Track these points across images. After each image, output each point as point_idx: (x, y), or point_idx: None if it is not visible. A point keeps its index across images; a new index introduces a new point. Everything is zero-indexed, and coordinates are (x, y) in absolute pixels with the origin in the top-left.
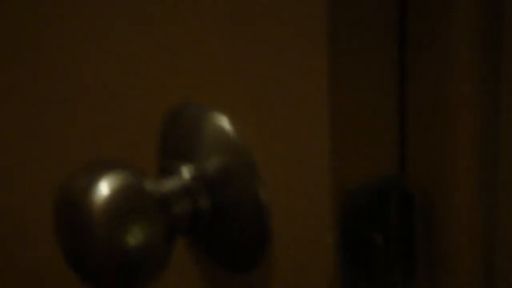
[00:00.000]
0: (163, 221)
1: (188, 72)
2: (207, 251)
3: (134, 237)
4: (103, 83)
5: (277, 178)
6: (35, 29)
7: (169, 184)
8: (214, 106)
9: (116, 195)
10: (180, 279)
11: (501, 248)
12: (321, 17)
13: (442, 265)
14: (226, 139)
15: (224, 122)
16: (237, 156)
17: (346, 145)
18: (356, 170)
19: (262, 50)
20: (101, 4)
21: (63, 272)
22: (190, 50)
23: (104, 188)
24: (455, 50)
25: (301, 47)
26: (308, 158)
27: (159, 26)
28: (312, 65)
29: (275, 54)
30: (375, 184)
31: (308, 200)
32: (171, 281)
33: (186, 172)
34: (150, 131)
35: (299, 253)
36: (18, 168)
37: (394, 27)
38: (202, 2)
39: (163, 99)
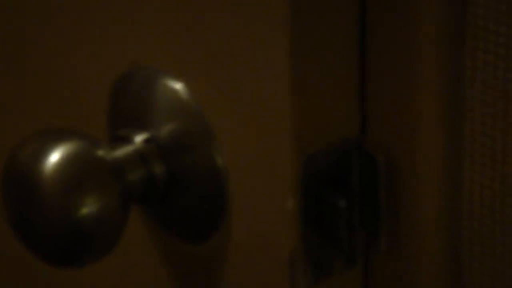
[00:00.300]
0: (116, 189)
1: (139, 35)
2: (162, 219)
3: (86, 206)
4: (49, 48)
5: (235, 143)
6: None
7: (122, 151)
8: (167, 69)
9: (67, 163)
10: (133, 249)
11: (466, 210)
12: None
13: (407, 229)
14: (180, 103)
15: (177, 85)
16: (191, 120)
17: (305, 107)
18: (316, 133)
19: (219, 10)
20: None
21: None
22: (140, 11)
23: (53, 156)
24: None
25: (261, 6)
26: (267, 120)
27: None
28: (272, 27)
29: (234, 15)
30: (336, 147)
31: (267, 164)
32: (123, 251)
33: (139, 139)
34: (100, 97)
35: (259, 220)
36: None
37: None
38: None
39: (112, 63)
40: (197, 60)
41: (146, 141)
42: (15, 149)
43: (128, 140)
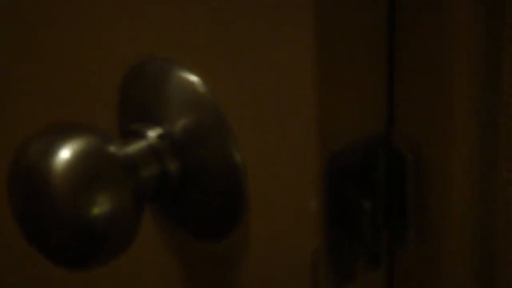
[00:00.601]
0: (130, 187)
1: (153, 24)
2: (176, 217)
3: (99, 205)
4: (59, 38)
5: (255, 138)
6: None
7: (135, 147)
8: (181, 60)
9: (78, 160)
10: (146, 249)
11: (499, 213)
12: None
13: (436, 229)
14: (196, 96)
15: (193, 78)
16: (207, 114)
17: (330, 102)
18: (342, 129)
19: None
20: None
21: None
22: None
23: (64, 152)
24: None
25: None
26: (290, 116)
27: None
28: (297, 19)
29: (257, 5)
30: (362, 144)
31: (290, 161)
32: (135, 252)
33: (152, 134)
34: (110, 90)
35: (280, 218)
36: None
37: None
38: None
39: (123, 53)
40: (215, 52)
41: (160, 136)
42: (23, 145)
43: (140, 135)
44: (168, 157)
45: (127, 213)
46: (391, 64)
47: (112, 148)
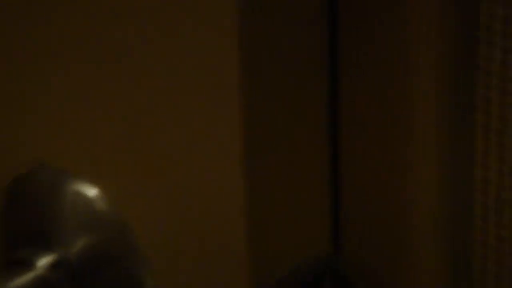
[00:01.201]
0: None
1: (46, 125)
2: None
3: None
4: None
5: (171, 268)
6: None
7: (21, 281)
8: (78, 170)
9: None
10: None
11: None
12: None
13: None
14: (96, 214)
15: (92, 191)
16: (110, 233)
17: (262, 230)
18: (278, 258)
19: (154, 95)
20: None
21: None
22: (45, 96)
23: None
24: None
25: (214, 110)
26: (221, 250)
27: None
28: (225, 130)
29: (178, 105)
30: (304, 270)
31: None
32: None
33: (43, 262)
34: None
35: None
36: None
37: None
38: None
39: (6, 159)
40: (124, 162)
41: (53, 264)
42: None
43: (29, 264)
44: None
45: None
46: (335, 180)
47: None
